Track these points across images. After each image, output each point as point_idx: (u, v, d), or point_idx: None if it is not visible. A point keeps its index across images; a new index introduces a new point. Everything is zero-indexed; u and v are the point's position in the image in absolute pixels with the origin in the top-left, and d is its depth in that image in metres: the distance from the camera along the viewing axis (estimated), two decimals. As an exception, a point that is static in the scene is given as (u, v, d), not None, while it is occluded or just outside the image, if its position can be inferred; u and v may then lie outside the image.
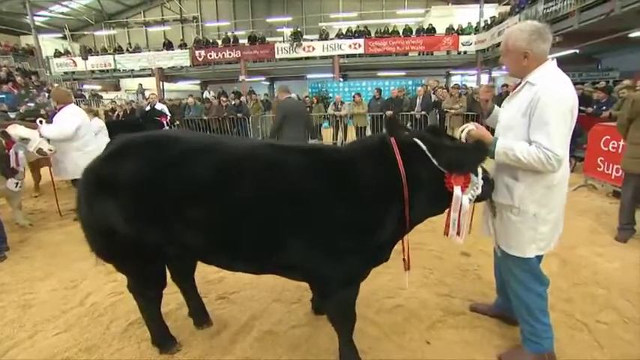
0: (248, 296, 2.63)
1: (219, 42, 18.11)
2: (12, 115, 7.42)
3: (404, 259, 1.84)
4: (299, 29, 18.00)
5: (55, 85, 14.50)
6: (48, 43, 19.97)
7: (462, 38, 15.85)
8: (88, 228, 1.78)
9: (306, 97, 11.32)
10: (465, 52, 16.16)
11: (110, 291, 2.75)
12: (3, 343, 2.18)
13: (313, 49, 17.15)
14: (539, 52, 1.66)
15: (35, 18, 18.59)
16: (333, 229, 1.54)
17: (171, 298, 2.41)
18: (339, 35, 17.42)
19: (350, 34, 17.27)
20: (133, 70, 18.49)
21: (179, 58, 17.83)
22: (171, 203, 1.56)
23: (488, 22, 15.23)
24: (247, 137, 9.62)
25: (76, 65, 18.41)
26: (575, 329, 2.20)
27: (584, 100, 6.98)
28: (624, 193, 3.52)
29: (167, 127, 7.07)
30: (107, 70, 18.71)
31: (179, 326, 2.26)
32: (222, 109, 10.12)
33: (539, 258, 1.85)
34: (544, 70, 1.67)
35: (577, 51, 10.51)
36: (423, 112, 8.83)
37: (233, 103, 10.29)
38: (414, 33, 16.72)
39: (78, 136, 4.23)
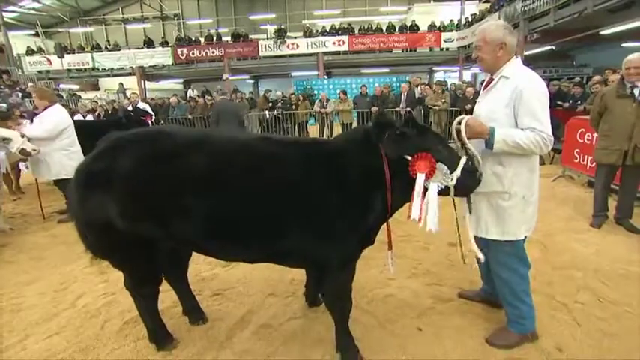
0: (242, 292, 2.66)
1: (202, 40, 17.82)
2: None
3: (388, 243, 1.89)
4: (282, 27, 17.93)
5: (31, 84, 13.96)
6: (18, 41, 19.12)
7: (444, 35, 16.14)
8: (82, 226, 1.78)
9: (291, 94, 11.29)
10: (447, 49, 16.47)
11: (102, 291, 2.73)
12: (-7, 348, 2.14)
13: (297, 46, 17.10)
14: (511, 45, 1.82)
15: (4, 14, 17.80)
16: (328, 213, 1.63)
17: (166, 295, 2.40)
18: (323, 32, 17.42)
19: (334, 32, 17.30)
20: (112, 68, 17.97)
21: (161, 57, 17.46)
22: (166, 196, 1.60)
23: (469, 19, 15.58)
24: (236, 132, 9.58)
25: (51, 64, 17.76)
26: (555, 309, 2.33)
27: (560, 95, 7.29)
28: (596, 183, 3.72)
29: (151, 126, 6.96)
30: (85, 69, 18.12)
31: (175, 323, 2.27)
32: (207, 108, 9.99)
33: (523, 241, 1.96)
34: (514, 65, 1.82)
35: (553, 48, 10.90)
36: (408, 109, 8.98)
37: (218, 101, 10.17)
38: (397, 30, 16.90)
39: (63, 136, 4.15)
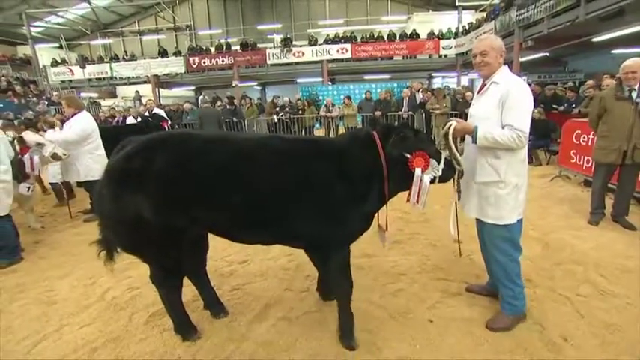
0: (259, 287, 2.67)
1: (212, 49, 17.91)
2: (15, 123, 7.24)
3: (379, 225, 2.09)
4: (288, 36, 17.98)
5: (56, 93, 14.16)
6: (44, 53, 19.45)
7: (443, 43, 16.08)
8: (114, 222, 1.81)
9: (298, 100, 11.32)
10: (445, 56, 16.40)
11: (128, 286, 2.76)
12: (32, 336, 2.18)
13: (303, 54, 17.13)
14: (504, 54, 2.02)
15: (31, 28, 18.14)
16: (334, 201, 1.79)
17: (187, 290, 2.41)
18: (327, 41, 17.46)
19: (337, 40, 17.32)
20: (129, 77, 18.14)
21: (174, 65, 17.59)
22: (197, 189, 1.70)
23: (466, 27, 15.50)
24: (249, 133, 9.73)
25: (73, 74, 17.99)
26: (558, 302, 2.32)
27: (556, 99, 7.24)
28: (595, 182, 3.69)
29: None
30: (104, 78, 18.31)
31: (197, 316, 2.28)
32: (218, 114, 10.05)
33: (519, 228, 2.08)
34: (504, 73, 1.99)
35: (547, 54, 10.81)
36: (410, 112, 8.97)
37: (228, 107, 10.22)
38: (397, 38, 16.87)
39: (90, 140, 4.21)
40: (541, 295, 2.40)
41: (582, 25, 8.34)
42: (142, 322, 2.29)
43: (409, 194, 1.89)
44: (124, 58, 18.67)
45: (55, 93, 15.55)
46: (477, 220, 2.15)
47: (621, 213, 3.61)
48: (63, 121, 4.39)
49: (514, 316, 2.10)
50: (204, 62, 17.26)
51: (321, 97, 14.46)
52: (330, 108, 10.11)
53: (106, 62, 18.25)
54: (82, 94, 18.29)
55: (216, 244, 1.89)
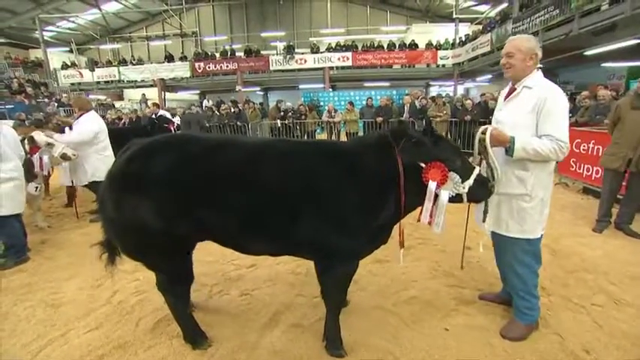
0: (269, 292, 2.54)
1: (218, 55, 17.83)
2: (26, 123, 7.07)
3: (400, 242, 1.82)
4: (291, 43, 17.93)
5: (65, 95, 13.98)
6: (55, 56, 19.28)
7: (440, 53, 16.06)
8: (116, 228, 1.68)
9: (300, 105, 11.23)
10: (443, 65, 16.35)
11: (135, 289, 2.61)
12: (37, 341, 2.03)
13: (305, 61, 17.07)
14: (539, 56, 1.81)
15: (44, 33, 17.98)
16: (343, 210, 1.60)
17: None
18: (329, 49, 17.41)
19: (339, 48, 17.29)
20: (136, 80, 17.98)
21: (180, 70, 17.44)
22: (201, 194, 1.56)
23: (463, 39, 15.50)
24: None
25: (82, 77, 17.80)
26: (575, 312, 2.21)
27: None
28: (603, 189, 3.60)
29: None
30: (112, 81, 18.11)
31: (205, 322, 2.13)
32: (222, 117, 9.94)
33: (540, 240, 1.93)
34: (537, 77, 1.81)
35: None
36: (411, 119, 8.88)
37: (233, 111, 10.11)
38: (397, 47, 16.86)
39: (98, 141, 4.07)
40: (556, 304, 2.28)
41: (575, 39, 8.31)
42: (150, 328, 2.14)
43: (421, 211, 1.67)
44: (131, 63, 18.52)
45: (64, 95, 15.38)
46: (493, 231, 1.99)
47: (625, 221, 3.51)
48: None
49: (528, 326, 1.99)
50: (209, 67, 17.13)
51: (322, 103, 14.40)
52: (333, 113, 10.03)
53: (115, 66, 18.07)
54: (91, 96, 18.12)
55: (222, 248, 1.76)
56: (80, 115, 4.09)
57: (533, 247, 1.91)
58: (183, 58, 17.79)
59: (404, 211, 1.70)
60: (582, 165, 4.97)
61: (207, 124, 9.66)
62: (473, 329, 2.05)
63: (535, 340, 1.95)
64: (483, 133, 1.78)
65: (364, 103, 10.33)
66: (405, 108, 9.13)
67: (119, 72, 17.80)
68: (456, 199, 1.65)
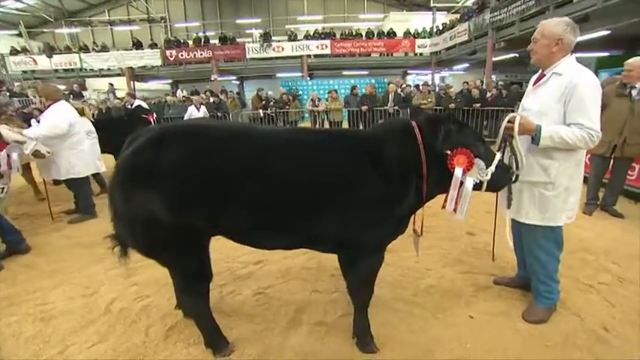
0: (284, 290, 2.43)
1: (190, 42, 16.92)
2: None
3: (414, 230, 1.83)
4: (267, 31, 17.35)
5: (17, 84, 12.68)
6: (1, 40, 17.43)
7: (418, 41, 16.21)
8: (127, 224, 1.54)
9: (283, 94, 10.97)
10: (420, 54, 16.55)
11: (136, 295, 2.40)
12: (32, 363, 1.80)
13: (283, 49, 16.63)
14: (568, 42, 1.74)
15: (-15, 13, 16.16)
16: (368, 200, 1.55)
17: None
18: (307, 36, 17.04)
19: (317, 36, 16.96)
20: (101, 69, 16.70)
21: (150, 58, 16.40)
22: (215, 185, 1.45)
23: (440, 27, 15.71)
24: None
25: (36, 64, 16.24)
26: (585, 292, 2.29)
27: (532, 95, 7.45)
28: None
29: (153, 124, 6.45)
30: (72, 70, 16.70)
31: (222, 325, 2.00)
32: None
33: (562, 227, 1.93)
34: (568, 63, 1.75)
35: (517, 55, 11.17)
36: (396, 108, 8.91)
37: (212, 101, 9.65)
38: (375, 36, 16.81)
39: (71, 134, 3.69)
40: (567, 285, 2.34)
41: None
42: (161, 336, 1.97)
43: (446, 199, 1.64)
44: (94, 49, 17.13)
45: (16, 84, 13.97)
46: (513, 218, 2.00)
47: (610, 203, 3.72)
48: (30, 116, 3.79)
49: (547, 309, 2.03)
50: (181, 55, 16.25)
51: (300, 92, 14.14)
52: (317, 102, 9.87)
53: (75, 52, 16.63)
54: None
55: (226, 245, 1.63)
56: (49, 106, 3.68)
57: (555, 234, 1.92)
58: (153, 46, 16.74)
59: (425, 199, 1.66)
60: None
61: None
62: (496, 315, 2.07)
63: (556, 321, 1.99)
64: (510, 121, 1.74)
65: (343, 91, 10.25)
66: (390, 97, 9.13)
67: (80, 59, 16.42)
68: (476, 186, 1.62)
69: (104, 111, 9.37)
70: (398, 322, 2.02)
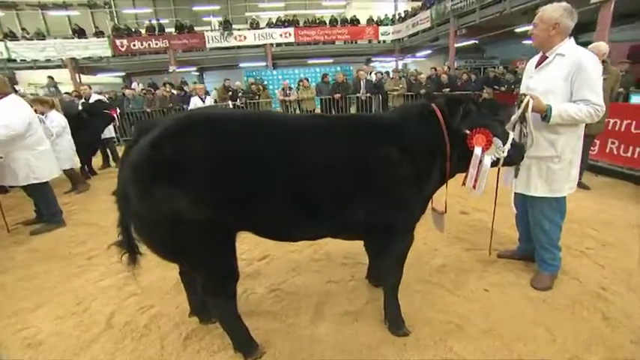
0: (298, 284, 2.36)
1: (143, 31, 15.57)
2: None
3: (433, 208, 1.90)
4: (227, 18, 16.51)
5: None
6: None
7: (381, 29, 16.42)
8: (146, 225, 1.40)
9: (252, 84, 10.58)
10: (384, 41, 16.79)
11: (137, 305, 2.20)
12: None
13: (245, 38, 15.95)
14: (565, 26, 1.85)
15: None
16: (398, 182, 1.56)
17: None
18: (270, 24, 16.50)
19: (280, 24, 16.48)
20: (35, 60, 14.79)
21: (96, 48, 14.83)
22: (247, 177, 1.36)
23: (402, 15, 16.01)
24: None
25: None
26: (577, 257, 2.49)
27: (496, 80, 7.92)
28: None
29: (117, 120, 5.89)
30: (-4, 60, 14.56)
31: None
32: (166, 101, 8.83)
33: (565, 197, 2.10)
34: (569, 44, 1.87)
35: (477, 42, 11.74)
36: (368, 94, 8.99)
37: (177, 93, 9.04)
38: (339, 23, 16.72)
39: (29, 133, 3.23)
40: (562, 253, 2.54)
41: (507, 17, 9.19)
42: (180, 347, 1.82)
43: (465, 176, 1.72)
44: (24, 37, 15.11)
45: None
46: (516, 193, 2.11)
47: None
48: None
49: (552, 276, 2.18)
50: (134, 45, 14.92)
51: (266, 82, 13.76)
52: (288, 92, 9.66)
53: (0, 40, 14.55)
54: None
55: None
56: (-4, 101, 3.17)
57: (559, 204, 2.08)
58: (99, 34, 15.16)
59: (447, 178, 1.72)
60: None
61: (147, 109, 8.49)
62: (507, 286, 2.18)
63: (560, 286, 2.16)
64: (527, 103, 1.81)
65: (310, 80, 10.12)
66: (362, 83, 9.19)
67: (7, 48, 14.38)
68: (493, 163, 1.71)
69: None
70: (421, 302, 2.06)
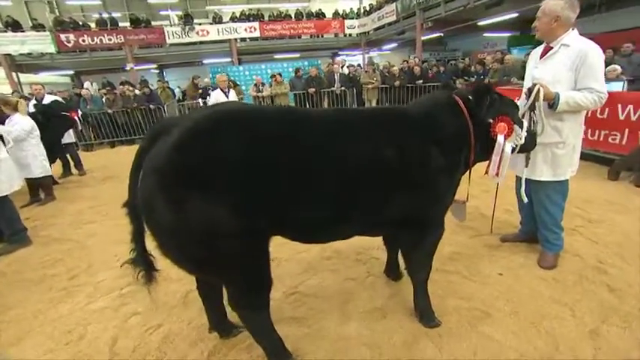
0: (316, 285, 2.28)
1: (93, 25, 14.26)
2: None
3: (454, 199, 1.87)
4: (188, 12, 15.62)
5: None
6: None
7: (347, 22, 16.45)
8: (176, 237, 1.23)
9: (223, 80, 10.10)
10: (350, 35, 16.87)
11: (142, 327, 1.99)
12: None
13: (208, 33, 15.19)
14: (566, 18, 1.92)
15: None
16: (434, 175, 1.55)
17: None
18: (233, 19, 15.87)
19: (244, 18, 15.92)
20: (-39, 57, 13.01)
21: (36, 43, 13.27)
22: (286, 179, 1.26)
23: (367, 8, 16.16)
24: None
25: None
26: (571, 235, 2.65)
27: (465, 72, 8.27)
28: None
29: (79, 123, 5.34)
30: None
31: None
32: (130, 101, 8.18)
33: (568, 180, 2.20)
34: (573, 35, 1.95)
35: (442, 34, 12.18)
36: (343, 88, 8.99)
37: (142, 92, 8.41)
38: (304, 17, 16.52)
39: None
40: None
41: (471, 11, 9.61)
42: (205, 365, 1.68)
43: (489, 164, 1.76)
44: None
45: None
46: (517, 177, 2.23)
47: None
48: None
49: (555, 255, 2.31)
50: (83, 40, 13.58)
51: (232, 79, 13.29)
52: (260, 87, 9.39)
53: None
54: None
55: None
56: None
57: (562, 187, 2.19)
58: (38, 27, 13.60)
59: (471, 167, 1.74)
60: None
61: (109, 111, 7.81)
62: (518, 268, 2.28)
63: (565, 264, 2.29)
64: (538, 91, 1.88)
65: (293, 74, 9.94)
66: (336, 77, 9.17)
67: None
68: (511, 150, 1.76)
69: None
70: (442, 291, 2.08)
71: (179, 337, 1.87)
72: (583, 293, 1.99)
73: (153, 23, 15.22)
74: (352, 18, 16.60)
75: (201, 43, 15.35)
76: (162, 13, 18.11)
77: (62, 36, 13.26)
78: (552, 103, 1.92)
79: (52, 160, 5.18)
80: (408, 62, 8.94)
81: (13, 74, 13.55)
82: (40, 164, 4.05)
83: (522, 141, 1.76)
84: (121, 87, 9.30)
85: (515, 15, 9.05)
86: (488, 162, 1.77)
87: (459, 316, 1.87)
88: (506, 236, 2.66)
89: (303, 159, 1.29)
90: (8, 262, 2.98)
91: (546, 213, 2.23)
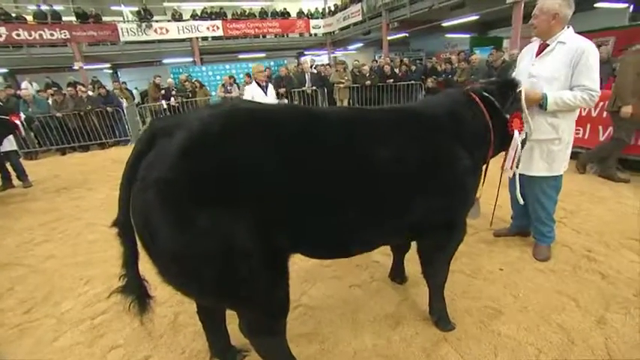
0: (319, 295, 2.15)
1: (30, 18, 12.80)
2: None
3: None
4: (144, 8, 14.60)
5: None
6: None
7: (312, 22, 16.40)
8: (183, 260, 1.03)
9: (185, 81, 9.59)
10: (315, 35, 16.83)
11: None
12: None
13: (167, 31, 14.34)
14: (564, 15, 1.96)
15: None
16: (461, 176, 1.49)
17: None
18: (194, 16, 15.13)
19: (206, 16, 15.24)
20: None
21: (-40, 38, 11.70)
22: (312, 188, 1.13)
23: (332, 8, 16.23)
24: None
25: None
26: (557, 227, 2.76)
27: (433, 71, 8.55)
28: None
29: (22, 128, 4.70)
30: None
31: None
32: (83, 103, 7.41)
33: (562, 175, 2.27)
34: (569, 33, 1.99)
35: (407, 34, 12.54)
36: (314, 87, 8.89)
37: (98, 93, 7.67)
38: (269, 16, 16.21)
39: None
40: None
41: (435, 12, 9.99)
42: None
43: (504, 160, 1.81)
44: None
45: None
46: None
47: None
48: None
49: (548, 247, 2.39)
50: (17, 35, 12.11)
51: (194, 79, 12.68)
52: (229, 87, 9.02)
53: None
54: None
55: None
56: None
57: (557, 182, 2.26)
58: (-39, 20, 11.92)
59: (487, 164, 1.72)
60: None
61: (57, 114, 7.01)
62: (516, 262, 2.32)
63: (558, 255, 2.37)
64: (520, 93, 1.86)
65: (242, 77, 9.65)
66: (307, 76, 9.05)
67: None
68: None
69: None
70: (450, 292, 2.03)
71: (180, 367, 1.65)
72: (581, 282, 2.06)
73: (104, 19, 14.06)
74: (317, 18, 16.59)
75: (160, 41, 14.48)
76: (114, 8, 16.77)
77: (-7, 31, 11.74)
78: (541, 103, 1.97)
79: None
80: (377, 61, 9.06)
81: None
82: None
83: (531, 135, 1.86)
84: (70, 88, 8.41)
85: (476, 17, 9.55)
86: (504, 157, 1.82)
87: (470, 316, 1.84)
88: (498, 231, 2.71)
89: (328, 163, 1.16)
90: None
91: (541, 208, 2.29)
